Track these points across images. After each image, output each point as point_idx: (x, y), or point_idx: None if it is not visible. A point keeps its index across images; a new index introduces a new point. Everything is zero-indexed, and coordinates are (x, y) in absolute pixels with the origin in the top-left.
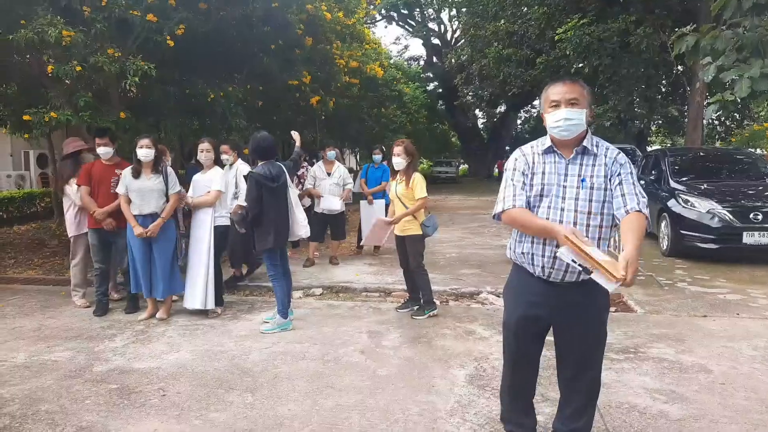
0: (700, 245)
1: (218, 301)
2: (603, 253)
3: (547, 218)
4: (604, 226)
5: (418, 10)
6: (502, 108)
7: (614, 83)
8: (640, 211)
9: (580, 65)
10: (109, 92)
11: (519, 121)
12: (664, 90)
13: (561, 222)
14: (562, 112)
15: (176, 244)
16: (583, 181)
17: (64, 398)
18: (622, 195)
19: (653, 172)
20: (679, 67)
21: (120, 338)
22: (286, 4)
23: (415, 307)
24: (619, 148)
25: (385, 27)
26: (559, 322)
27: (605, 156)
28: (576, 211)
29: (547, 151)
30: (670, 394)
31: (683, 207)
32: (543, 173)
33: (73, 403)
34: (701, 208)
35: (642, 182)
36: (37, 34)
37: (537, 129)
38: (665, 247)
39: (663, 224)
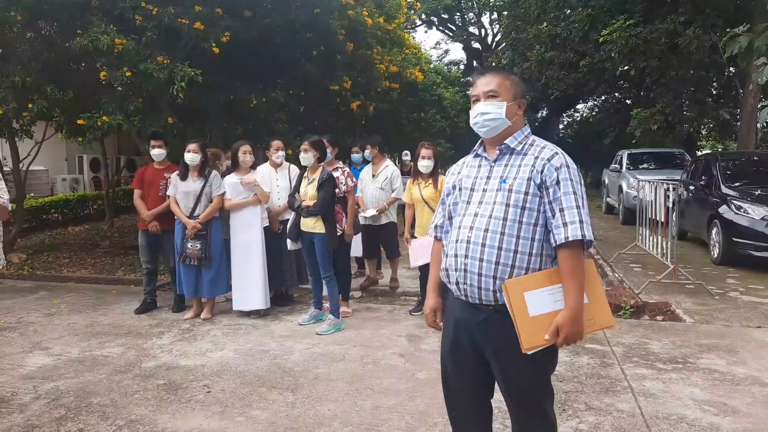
0: (753, 253)
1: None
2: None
3: (460, 226)
4: (521, 240)
5: (458, 14)
6: (543, 112)
7: (661, 86)
8: (578, 239)
9: (626, 67)
10: (157, 98)
11: (561, 126)
12: (714, 92)
13: (472, 229)
14: (479, 106)
15: (223, 247)
16: (503, 182)
17: (114, 392)
18: (561, 210)
19: (703, 177)
20: (731, 69)
21: (167, 336)
22: (328, 11)
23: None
24: (666, 152)
25: (425, 32)
26: (487, 353)
27: (535, 156)
28: (491, 216)
29: (477, 155)
30: (722, 406)
31: (736, 213)
32: (464, 178)
33: (123, 397)
34: (755, 214)
35: (691, 188)
36: (92, 42)
37: (581, 133)
38: (716, 254)
39: (714, 231)
